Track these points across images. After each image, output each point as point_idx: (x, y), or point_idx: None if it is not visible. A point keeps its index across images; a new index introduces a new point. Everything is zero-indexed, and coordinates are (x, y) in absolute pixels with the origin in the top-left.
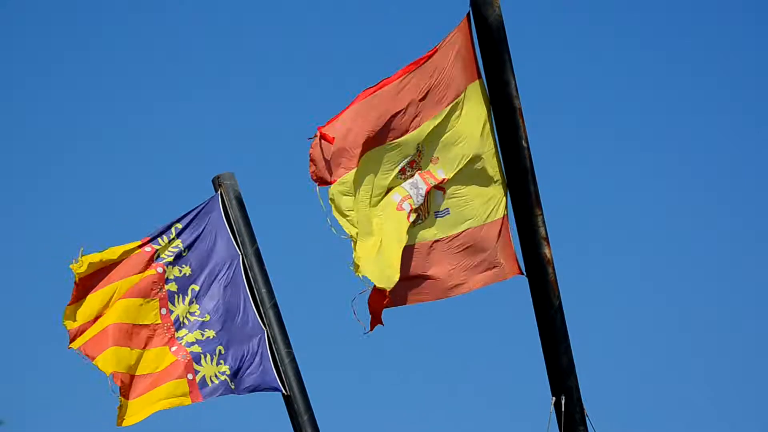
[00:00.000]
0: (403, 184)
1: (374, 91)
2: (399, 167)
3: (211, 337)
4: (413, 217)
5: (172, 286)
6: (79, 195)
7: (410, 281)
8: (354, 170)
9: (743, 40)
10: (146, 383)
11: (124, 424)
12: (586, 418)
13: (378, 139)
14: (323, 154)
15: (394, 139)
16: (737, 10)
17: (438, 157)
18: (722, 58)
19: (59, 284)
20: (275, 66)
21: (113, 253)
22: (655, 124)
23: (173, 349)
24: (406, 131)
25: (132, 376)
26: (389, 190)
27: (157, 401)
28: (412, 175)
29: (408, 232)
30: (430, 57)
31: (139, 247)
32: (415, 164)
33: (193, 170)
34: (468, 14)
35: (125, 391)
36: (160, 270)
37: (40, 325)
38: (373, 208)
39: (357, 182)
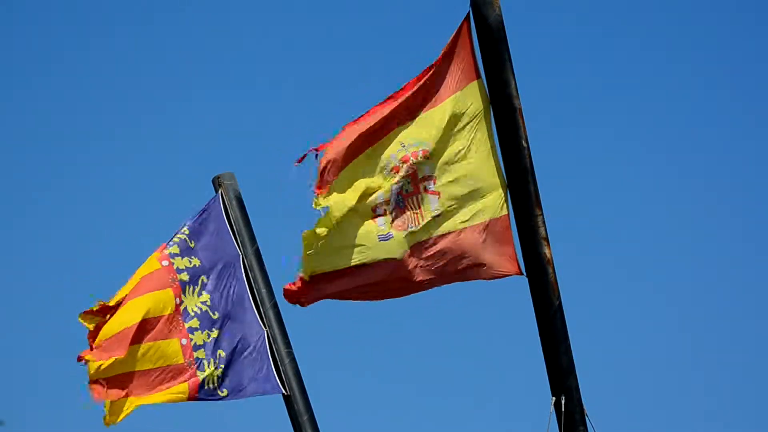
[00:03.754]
0: (392, 186)
1: (375, 112)
2: (391, 165)
3: (215, 336)
4: (383, 223)
5: (184, 276)
6: (78, 195)
7: (409, 281)
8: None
9: (743, 40)
10: (152, 380)
11: (119, 419)
12: (586, 418)
13: (367, 144)
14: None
15: (380, 139)
16: (737, 10)
17: (429, 157)
18: (722, 58)
19: (60, 284)
20: (275, 66)
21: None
22: (656, 124)
23: (183, 342)
24: (393, 130)
25: (133, 373)
26: (374, 190)
27: (157, 398)
28: (404, 174)
29: (387, 239)
30: (428, 72)
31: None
32: (409, 160)
33: (193, 170)
34: (468, 14)
35: (123, 388)
36: (165, 263)
37: (40, 325)
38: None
39: (344, 184)
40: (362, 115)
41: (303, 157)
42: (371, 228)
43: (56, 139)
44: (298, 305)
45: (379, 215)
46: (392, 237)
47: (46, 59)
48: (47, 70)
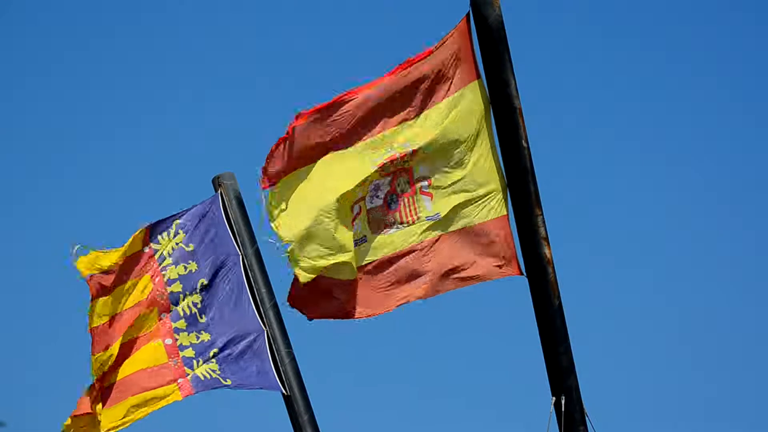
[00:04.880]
0: (370, 185)
1: (359, 91)
2: (378, 162)
3: (206, 340)
4: (359, 225)
5: (176, 287)
6: (78, 195)
7: (400, 285)
8: (312, 166)
9: (743, 40)
10: (133, 384)
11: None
12: (586, 418)
13: (350, 139)
14: (283, 152)
15: (370, 137)
16: (737, 10)
17: (425, 157)
18: (722, 58)
19: (60, 282)
20: (276, 66)
21: (117, 254)
22: (655, 124)
23: (167, 342)
24: (385, 129)
25: (115, 382)
26: (363, 182)
27: (144, 405)
28: (391, 173)
29: (378, 239)
30: (422, 58)
31: (142, 244)
32: (397, 161)
33: (193, 170)
34: (468, 14)
35: (102, 397)
36: (157, 279)
37: (41, 326)
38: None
39: (316, 176)
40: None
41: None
42: (347, 235)
43: (56, 139)
44: (301, 313)
45: (356, 214)
46: (366, 241)
47: (46, 59)
48: (47, 70)
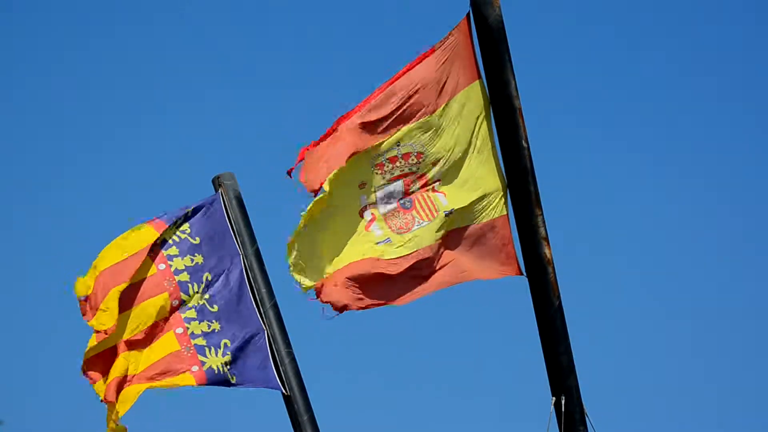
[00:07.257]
0: (377, 192)
1: (363, 106)
2: (376, 162)
3: (217, 330)
4: (378, 229)
5: (184, 276)
6: (78, 195)
7: (415, 280)
8: (335, 171)
9: (743, 40)
10: (148, 373)
11: (120, 411)
12: (586, 418)
13: (362, 144)
14: (312, 166)
15: (379, 141)
16: (737, 10)
17: (437, 160)
18: (722, 59)
19: (60, 284)
20: (276, 66)
21: (118, 250)
22: (655, 124)
23: (178, 331)
24: (392, 132)
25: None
26: (363, 185)
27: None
28: (392, 174)
29: (399, 238)
30: (423, 59)
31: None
32: (397, 160)
33: (193, 170)
34: (468, 14)
35: (120, 387)
36: (162, 267)
37: (40, 325)
38: (340, 206)
39: (337, 183)
40: (352, 110)
41: (297, 163)
42: (369, 237)
43: (56, 139)
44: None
45: (370, 220)
46: (390, 241)
47: (46, 59)
48: (47, 70)
